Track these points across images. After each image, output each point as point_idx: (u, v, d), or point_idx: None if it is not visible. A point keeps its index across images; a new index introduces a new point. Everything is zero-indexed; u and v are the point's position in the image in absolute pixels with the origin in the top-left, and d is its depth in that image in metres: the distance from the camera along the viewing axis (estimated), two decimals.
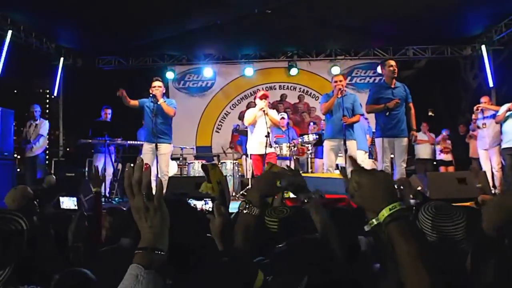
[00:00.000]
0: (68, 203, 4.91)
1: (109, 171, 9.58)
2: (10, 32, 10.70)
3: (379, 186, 1.36)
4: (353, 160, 1.55)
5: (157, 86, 8.03)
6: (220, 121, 14.20)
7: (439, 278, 1.24)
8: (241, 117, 13.56)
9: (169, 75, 13.82)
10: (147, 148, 8.07)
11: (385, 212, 1.32)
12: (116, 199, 9.06)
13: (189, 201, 4.71)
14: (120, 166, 10.16)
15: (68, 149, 13.25)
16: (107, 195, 9.13)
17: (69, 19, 10.70)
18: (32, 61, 14.33)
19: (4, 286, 1.75)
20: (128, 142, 9.66)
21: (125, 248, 2.71)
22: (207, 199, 4.66)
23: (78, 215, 3.38)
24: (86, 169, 10.26)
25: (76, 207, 4.81)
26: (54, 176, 8.71)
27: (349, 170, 1.49)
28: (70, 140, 13.55)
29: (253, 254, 2.12)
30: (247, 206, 2.08)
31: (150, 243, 1.37)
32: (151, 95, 7.99)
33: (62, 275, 2.09)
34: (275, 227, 2.57)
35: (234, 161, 10.17)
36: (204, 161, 10.41)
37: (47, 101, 27.27)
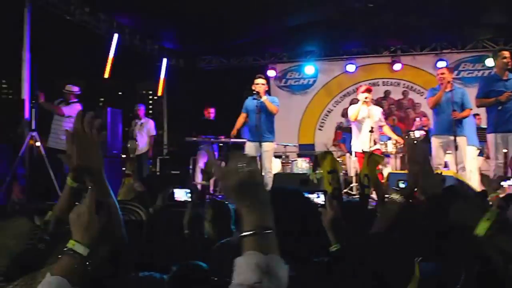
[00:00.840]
0: (180, 194, 4.97)
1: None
2: (116, 35, 11.05)
3: None
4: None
5: (260, 84, 8.03)
6: (322, 119, 13.93)
7: None
8: (344, 114, 13.26)
9: (270, 73, 13.70)
10: (250, 145, 8.06)
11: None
12: (220, 196, 9.07)
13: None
14: (223, 164, 10.17)
15: (172, 147, 13.52)
16: (211, 192, 9.20)
17: (172, 20, 10.89)
18: (136, 63, 14.79)
19: (126, 273, 1.76)
20: (232, 140, 9.65)
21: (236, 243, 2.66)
22: (319, 192, 4.58)
23: (191, 206, 3.50)
24: (191, 167, 10.37)
25: (189, 199, 4.87)
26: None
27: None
28: (174, 139, 13.83)
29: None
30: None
31: (257, 224, 1.25)
32: (254, 92, 7.94)
33: (180, 266, 2.14)
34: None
35: (338, 159, 9.95)
36: (307, 159, 10.30)
37: (150, 101, 28.21)
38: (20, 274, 1.58)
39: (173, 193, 4.96)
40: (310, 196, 4.74)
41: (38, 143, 8.23)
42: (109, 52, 11.00)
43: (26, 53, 8.76)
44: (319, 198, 4.49)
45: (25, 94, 8.64)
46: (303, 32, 11.57)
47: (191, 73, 13.90)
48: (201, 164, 9.89)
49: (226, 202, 3.78)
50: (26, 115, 8.54)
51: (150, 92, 31.86)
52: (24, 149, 8.04)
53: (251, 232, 1.24)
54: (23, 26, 8.80)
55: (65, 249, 1.43)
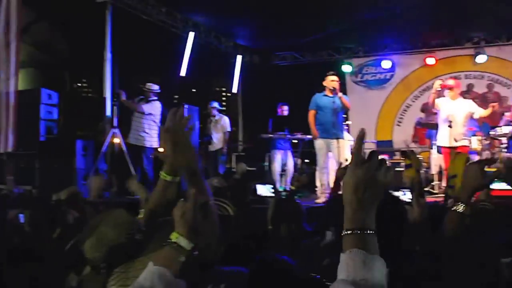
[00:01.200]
0: (263, 190, 4.96)
1: (290, 165, 9.63)
2: (192, 34, 11.20)
3: None
4: None
5: (335, 80, 7.88)
6: (401, 115, 13.52)
7: None
8: (423, 109, 12.86)
9: (346, 68, 13.44)
10: (322, 143, 7.92)
11: None
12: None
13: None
14: (299, 161, 10.16)
15: (247, 144, 13.59)
16: (287, 189, 9.13)
17: (246, 17, 10.91)
18: (211, 60, 14.94)
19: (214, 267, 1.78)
20: (308, 136, 9.56)
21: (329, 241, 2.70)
22: (405, 189, 4.51)
23: (274, 201, 3.48)
24: (266, 163, 10.36)
25: (273, 194, 4.87)
26: (245, 164, 8.99)
27: None
28: (248, 135, 13.89)
29: None
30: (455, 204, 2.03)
31: (362, 223, 1.26)
32: (332, 88, 7.81)
33: (262, 258, 2.13)
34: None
35: (418, 156, 9.59)
36: (385, 156, 10.03)
37: (224, 98, 28.49)
38: (118, 263, 1.66)
39: (255, 188, 4.98)
40: (396, 193, 4.61)
41: (118, 140, 8.49)
42: (185, 50, 11.18)
43: (108, 53, 9.03)
44: (405, 196, 4.36)
45: (107, 92, 8.91)
46: (379, 25, 11.25)
47: (265, 70, 13.90)
48: (277, 162, 9.85)
49: (298, 200, 3.73)
50: (108, 112, 8.81)
51: (224, 89, 32.10)
52: (107, 146, 8.30)
53: (357, 232, 1.26)
54: (105, 27, 9.08)
55: (168, 241, 1.46)
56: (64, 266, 2.45)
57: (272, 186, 4.80)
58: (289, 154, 9.83)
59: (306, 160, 11.31)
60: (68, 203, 5.33)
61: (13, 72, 7.19)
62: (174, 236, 1.47)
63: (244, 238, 2.89)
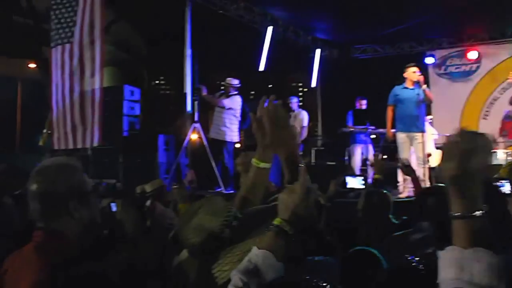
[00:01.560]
0: (354, 182, 4.91)
1: (371, 160, 9.43)
2: (270, 28, 11.19)
3: None
4: None
5: (417, 72, 7.61)
6: (487, 107, 12.89)
7: None
8: None
9: (429, 60, 12.98)
10: (403, 137, 7.68)
11: None
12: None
13: None
14: (380, 156, 9.93)
15: (327, 138, 13.46)
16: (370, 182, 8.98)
17: (325, 10, 10.77)
18: (289, 55, 14.91)
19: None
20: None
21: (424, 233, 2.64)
22: (503, 181, 4.30)
23: (365, 193, 3.54)
24: (346, 158, 10.19)
25: (363, 186, 4.80)
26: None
27: None
28: (328, 130, 13.75)
29: None
30: None
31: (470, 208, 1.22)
32: (414, 80, 7.56)
33: (353, 251, 2.21)
34: None
35: (507, 151, 9.23)
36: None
37: (300, 93, 28.41)
38: (215, 249, 1.72)
39: (345, 181, 4.93)
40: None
41: (195, 135, 8.62)
42: (263, 45, 11.20)
43: (188, 49, 9.17)
44: (504, 187, 4.18)
45: (187, 88, 9.05)
46: (465, 14, 10.78)
47: (345, 63, 13.70)
48: (358, 156, 9.68)
49: (385, 191, 3.67)
50: (188, 108, 8.96)
51: (301, 84, 32.07)
52: (188, 140, 8.44)
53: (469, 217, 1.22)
54: (185, 23, 9.23)
55: (271, 226, 1.54)
56: (159, 252, 2.53)
57: (363, 178, 4.73)
58: (370, 148, 9.63)
59: (385, 156, 11.06)
60: (153, 195, 5.49)
61: (98, 70, 7.41)
62: (277, 221, 1.55)
63: (332, 229, 2.87)
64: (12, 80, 24.66)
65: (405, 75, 7.74)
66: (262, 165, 2.00)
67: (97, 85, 7.32)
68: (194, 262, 1.81)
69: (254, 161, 2.03)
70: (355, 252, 2.44)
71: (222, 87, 9.07)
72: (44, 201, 1.86)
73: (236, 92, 8.79)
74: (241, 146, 10.91)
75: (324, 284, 1.51)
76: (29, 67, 22.34)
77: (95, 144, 7.23)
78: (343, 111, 10.55)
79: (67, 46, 7.66)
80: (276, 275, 1.47)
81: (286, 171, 1.93)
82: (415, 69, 7.68)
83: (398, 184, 7.74)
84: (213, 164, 8.09)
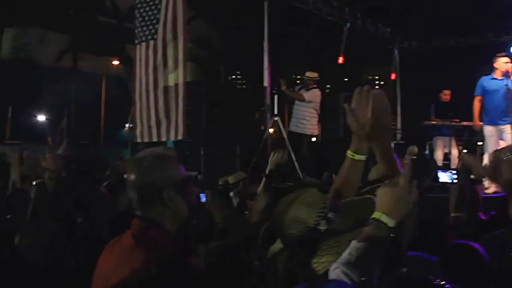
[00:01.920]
0: (444, 177, 4.81)
1: (454, 154, 9.14)
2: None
3: None
4: None
5: (509, 62, 7.26)
6: None
7: None
8: None
9: None
10: (490, 130, 7.40)
11: None
12: None
13: None
14: (465, 150, 9.61)
15: (407, 132, 13.16)
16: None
17: (402, 1, 10.54)
18: (367, 47, 14.71)
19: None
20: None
21: None
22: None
23: (457, 187, 3.41)
24: (427, 152, 9.94)
25: (455, 181, 4.69)
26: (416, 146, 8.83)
27: None
28: (408, 123, 13.45)
29: None
30: None
31: None
32: (504, 71, 7.24)
33: (454, 247, 2.18)
34: None
35: None
36: None
37: (377, 86, 28.01)
38: (312, 240, 1.72)
39: (437, 175, 4.84)
40: None
41: (278, 128, 8.67)
42: (342, 38, 11.11)
43: (266, 43, 9.22)
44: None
45: (266, 82, 9.11)
46: None
47: (425, 55, 13.34)
48: (440, 150, 9.41)
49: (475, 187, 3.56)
50: (268, 101, 9.02)
51: (377, 77, 31.55)
52: (267, 133, 8.52)
53: None
54: (264, 18, 9.28)
55: (371, 219, 1.54)
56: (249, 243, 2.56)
57: (455, 172, 4.61)
58: (453, 141, 9.33)
59: (464, 151, 10.69)
60: (235, 187, 5.58)
61: (181, 65, 7.56)
62: (377, 214, 1.54)
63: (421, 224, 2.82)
64: (98, 77, 25.77)
65: (495, 65, 7.40)
66: (357, 157, 1.97)
67: (180, 80, 7.48)
68: (288, 254, 1.81)
69: (349, 152, 2.00)
70: (456, 246, 2.39)
71: (298, 81, 9.07)
72: (140, 190, 1.94)
73: (315, 86, 8.79)
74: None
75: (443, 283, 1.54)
76: (113, 64, 23.26)
77: (180, 137, 7.39)
78: (424, 104, 10.28)
79: (151, 42, 7.87)
80: (377, 268, 1.48)
81: (382, 164, 1.88)
82: (506, 59, 7.34)
83: (483, 179, 7.46)
84: (293, 157, 8.12)
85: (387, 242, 1.52)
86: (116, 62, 22.75)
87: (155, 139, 7.67)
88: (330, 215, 1.76)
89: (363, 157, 1.98)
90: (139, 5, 8.13)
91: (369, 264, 1.48)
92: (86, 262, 2.24)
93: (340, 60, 11.21)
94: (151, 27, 7.95)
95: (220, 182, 5.99)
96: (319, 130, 9.28)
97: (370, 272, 1.47)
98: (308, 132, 8.61)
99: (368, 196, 1.77)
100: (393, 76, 13.31)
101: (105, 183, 4.37)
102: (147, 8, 8.04)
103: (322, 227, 1.73)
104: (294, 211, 1.81)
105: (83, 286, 1.99)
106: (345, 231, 1.70)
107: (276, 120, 8.67)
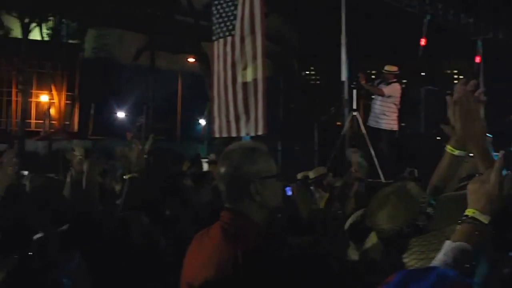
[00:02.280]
0: None
1: None
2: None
3: None
4: None
5: None
6: None
7: None
8: None
9: None
10: None
11: None
12: None
13: None
14: None
15: (491, 127, 12.63)
16: None
17: None
18: (448, 40, 14.24)
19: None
20: None
21: None
22: None
23: None
24: None
25: None
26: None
27: None
28: (491, 118, 12.90)
29: None
30: None
31: None
32: None
33: None
34: None
35: None
36: None
37: (455, 81, 27.11)
38: (410, 235, 1.69)
39: None
40: None
41: (357, 122, 8.54)
42: (422, 30, 10.79)
43: (344, 38, 9.10)
44: None
45: (344, 76, 8.98)
46: None
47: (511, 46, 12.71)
48: None
49: None
50: (346, 96, 8.90)
51: (456, 71, 30.50)
52: (346, 128, 8.41)
53: None
54: (340, 12, 9.16)
55: (464, 217, 1.47)
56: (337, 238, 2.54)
57: None
58: None
59: None
60: (315, 182, 5.54)
61: (259, 60, 7.58)
62: (470, 212, 1.48)
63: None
64: (174, 74, 26.41)
65: None
66: (457, 152, 1.95)
67: (259, 75, 7.50)
68: (379, 249, 1.83)
69: (448, 148, 1.97)
70: None
71: (373, 76, 8.89)
72: (228, 183, 1.94)
73: (395, 80, 8.56)
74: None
75: None
76: (188, 62, 23.74)
77: (260, 132, 7.40)
78: (510, 97, 9.82)
79: (229, 38, 7.94)
80: (475, 268, 1.41)
81: (479, 162, 1.79)
82: None
83: None
84: (372, 152, 7.96)
85: (484, 240, 1.44)
86: (191, 60, 23.18)
87: (234, 134, 7.73)
88: (429, 210, 1.73)
89: (463, 153, 1.95)
90: (216, 2, 8.22)
91: (468, 264, 1.40)
92: (175, 254, 2.26)
93: (420, 52, 10.88)
94: (228, 23, 8.02)
95: (299, 177, 5.98)
96: (398, 126, 9.04)
97: (468, 273, 1.39)
98: (387, 127, 8.40)
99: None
100: (476, 68, 12.79)
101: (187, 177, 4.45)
102: (224, 5, 8.11)
103: (421, 222, 1.70)
104: (393, 206, 1.78)
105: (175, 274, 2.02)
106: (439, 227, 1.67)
107: (355, 115, 8.51)
